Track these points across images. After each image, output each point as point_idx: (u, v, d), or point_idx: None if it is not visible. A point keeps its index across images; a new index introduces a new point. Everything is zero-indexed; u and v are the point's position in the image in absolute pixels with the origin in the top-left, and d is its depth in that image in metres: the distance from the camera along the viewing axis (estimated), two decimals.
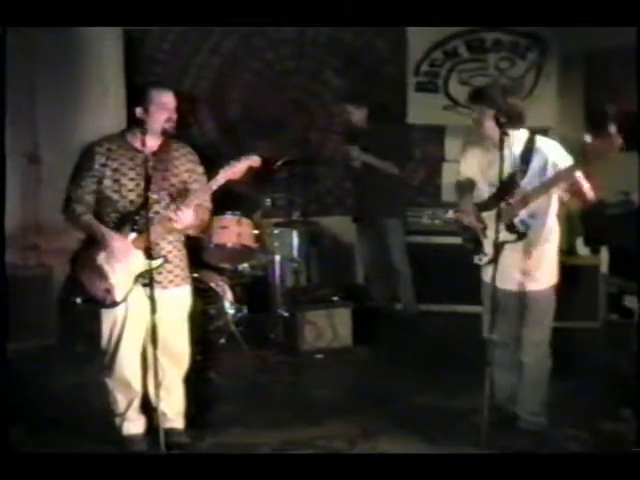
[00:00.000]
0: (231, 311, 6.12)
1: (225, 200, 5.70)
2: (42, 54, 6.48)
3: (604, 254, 6.88)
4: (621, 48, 6.54)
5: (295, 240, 6.80)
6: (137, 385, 4.46)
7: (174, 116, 4.24)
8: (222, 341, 6.09)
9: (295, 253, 6.82)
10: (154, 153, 4.24)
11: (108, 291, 4.24)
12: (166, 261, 4.26)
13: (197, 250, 6.12)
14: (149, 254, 4.07)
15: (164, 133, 4.23)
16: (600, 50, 7.19)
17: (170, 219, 4.17)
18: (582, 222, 7.31)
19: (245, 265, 6.42)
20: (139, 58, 7.15)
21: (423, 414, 4.96)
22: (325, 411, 5.04)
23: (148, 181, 4.05)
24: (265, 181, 6.87)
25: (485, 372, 4.28)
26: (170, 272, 4.35)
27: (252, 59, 7.53)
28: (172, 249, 4.37)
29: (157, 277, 4.20)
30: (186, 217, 4.20)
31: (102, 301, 4.27)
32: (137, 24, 5.91)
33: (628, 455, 3.85)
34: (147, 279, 4.09)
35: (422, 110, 7.55)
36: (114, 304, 4.26)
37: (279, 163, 6.72)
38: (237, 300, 6.25)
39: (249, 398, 5.31)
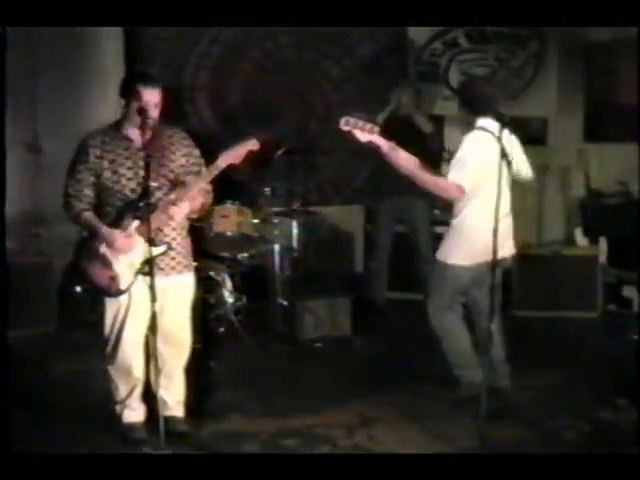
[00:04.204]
0: (230, 300, 6.14)
1: (225, 189, 5.73)
2: (43, 43, 6.48)
3: (603, 244, 6.90)
4: (621, 40, 6.57)
5: (295, 229, 6.80)
6: (139, 373, 4.46)
7: (154, 112, 4.20)
8: (221, 330, 6.11)
9: (295, 242, 6.83)
10: (148, 141, 4.21)
11: (113, 279, 4.24)
12: (170, 248, 4.27)
13: (197, 239, 6.13)
14: (152, 241, 4.09)
15: (140, 127, 4.18)
16: (600, 42, 7.19)
17: (171, 207, 4.19)
18: (581, 212, 7.34)
19: (245, 254, 6.43)
20: (139, 47, 7.14)
21: (421, 403, 4.98)
22: (324, 400, 5.07)
23: (147, 169, 4.06)
24: (265, 170, 6.87)
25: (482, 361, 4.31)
26: (173, 259, 4.35)
27: (252, 49, 7.52)
28: (176, 236, 4.37)
29: (160, 264, 4.24)
30: (182, 210, 4.23)
31: (107, 290, 4.27)
32: (137, 24, 5.95)
33: (628, 455, 3.86)
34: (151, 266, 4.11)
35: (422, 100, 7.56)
36: (119, 292, 4.26)
37: (279, 153, 6.72)
38: (236, 289, 6.26)
39: (248, 386, 5.33)
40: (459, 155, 4.65)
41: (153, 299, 4.00)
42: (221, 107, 7.54)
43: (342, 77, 7.74)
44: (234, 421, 4.77)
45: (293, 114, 7.64)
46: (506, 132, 4.57)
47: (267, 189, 6.62)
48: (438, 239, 6.79)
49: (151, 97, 4.20)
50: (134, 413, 4.53)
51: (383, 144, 4.57)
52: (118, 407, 4.53)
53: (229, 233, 6.09)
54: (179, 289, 4.41)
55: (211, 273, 6.10)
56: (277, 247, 6.52)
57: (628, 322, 6.16)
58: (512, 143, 4.77)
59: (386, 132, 6.58)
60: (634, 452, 4.01)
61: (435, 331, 4.98)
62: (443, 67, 7.62)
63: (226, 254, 6.31)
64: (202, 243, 6.08)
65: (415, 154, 6.61)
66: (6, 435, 3.74)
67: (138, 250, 4.19)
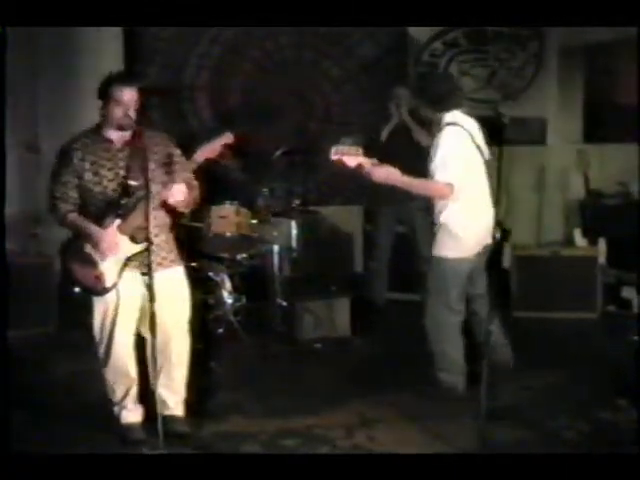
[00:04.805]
0: (230, 300, 6.13)
1: (224, 190, 5.74)
2: (42, 44, 6.48)
3: (602, 245, 6.90)
4: (621, 40, 6.57)
5: (294, 230, 6.79)
6: (133, 373, 4.48)
7: (131, 112, 4.28)
8: (221, 330, 6.10)
9: (294, 243, 6.82)
10: (128, 143, 4.34)
11: (98, 278, 4.28)
12: (150, 244, 4.21)
13: (196, 240, 6.14)
14: (134, 239, 4.21)
15: (119, 128, 4.31)
16: (600, 42, 7.20)
17: (161, 195, 4.28)
18: (580, 213, 7.34)
19: (244, 255, 6.43)
20: (139, 47, 7.14)
21: (421, 403, 4.98)
22: (323, 400, 5.06)
23: (145, 169, 4.09)
24: (264, 170, 6.88)
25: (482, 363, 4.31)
26: (158, 255, 4.38)
27: (252, 49, 7.53)
28: (158, 232, 4.41)
29: (145, 261, 4.20)
30: (178, 192, 4.29)
31: (94, 289, 4.31)
32: (137, 24, 5.97)
33: (628, 455, 3.87)
34: (138, 263, 4.24)
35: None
36: (105, 291, 4.29)
37: (278, 153, 6.72)
38: (236, 289, 6.25)
39: (248, 387, 5.33)
40: (441, 154, 4.75)
41: (152, 299, 4.02)
42: (221, 107, 7.55)
43: (342, 77, 7.75)
44: (234, 421, 4.77)
45: (293, 114, 7.65)
46: (471, 121, 4.90)
47: (266, 189, 6.62)
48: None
49: (130, 97, 4.27)
50: (131, 414, 4.54)
51: (366, 162, 4.73)
52: (116, 408, 4.54)
53: (228, 234, 6.08)
54: (167, 283, 4.38)
55: (210, 274, 6.10)
56: (276, 247, 6.52)
57: (627, 323, 6.16)
58: (477, 130, 4.94)
59: (390, 146, 6.62)
60: (634, 452, 4.01)
61: (427, 331, 5.01)
62: (443, 67, 7.62)
63: (225, 255, 6.31)
64: (201, 244, 6.10)
65: (417, 167, 6.70)
66: (6, 435, 3.75)
67: (122, 248, 4.26)
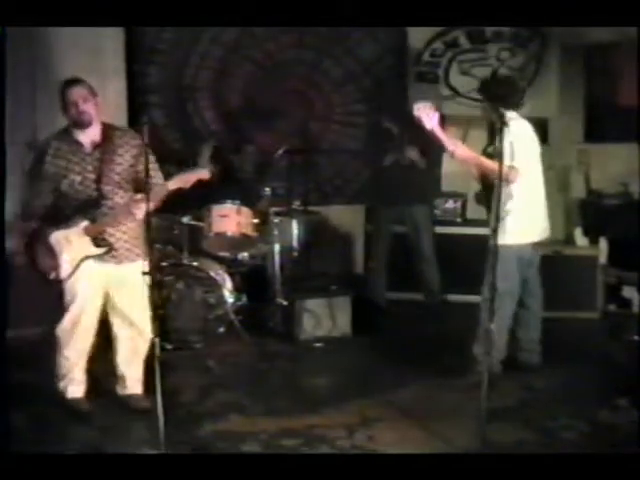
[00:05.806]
0: (230, 300, 6.13)
1: (225, 189, 5.73)
2: (42, 44, 6.48)
3: (603, 245, 6.89)
4: (621, 40, 6.56)
5: (295, 229, 6.79)
6: (86, 353, 4.79)
7: (83, 107, 4.49)
8: (221, 330, 6.10)
9: (295, 242, 6.82)
10: (98, 145, 4.56)
11: (54, 268, 4.58)
12: (110, 249, 4.55)
13: (197, 239, 6.14)
14: (97, 242, 4.52)
15: (79, 125, 4.53)
16: (600, 42, 7.19)
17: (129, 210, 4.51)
18: (581, 213, 7.34)
19: (245, 254, 6.44)
20: (139, 47, 7.13)
21: (421, 403, 4.98)
22: (323, 400, 5.07)
23: (147, 160, 4.18)
24: (265, 170, 6.88)
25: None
26: (123, 250, 4.64)
27: (252, 49, 7.52)
28: (126, 230, 4.63)
29: (114, 253, 4.58)
30: (143, 209, 4.47)
31: (47, 274, 4.62)
32: (137, 24, 5.97)
33: (628, 455, 3.86)
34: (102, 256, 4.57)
35: (422, 100, 7.53)
36: (57, 280, 4.60)
37: (279, 152, 6.72)
38: (236, 289, 6.26)
39: (248, 386, 5.33)
40: (509, 141, 4.90)
41: (152, 299, 4.06)
42: (222, 107, 7.54)
43: (342, 77, 7.74)
44: (234, 421, 4.77)
45: (293, 114, 7.64)
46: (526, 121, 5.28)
47: (267, 189, 6.61)
48: (439, 239, 6.87)
49: (75, 94, 4.49)
50: (77, 388, 4.80)
51: (441, 131, 5.07)
52: (62, 383, 4.79)
53: (229, 233, 6.08)
54: (131, 275, 4.55)
55: (211, 273, 6.09)
56: (277, 247, 6.52)
57: (628, 322, 6.17)
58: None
59: (392, 169, 6.61)
60: (634, 452, 4.01)
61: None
62: (443, 67, 7.61)
63: (226, 254, 6.32)
64: (202, 243, 6.10)
65: (415, 187, 6.70)
66: (6, 435, 3.75)
67: (82, 246, 4.52)
